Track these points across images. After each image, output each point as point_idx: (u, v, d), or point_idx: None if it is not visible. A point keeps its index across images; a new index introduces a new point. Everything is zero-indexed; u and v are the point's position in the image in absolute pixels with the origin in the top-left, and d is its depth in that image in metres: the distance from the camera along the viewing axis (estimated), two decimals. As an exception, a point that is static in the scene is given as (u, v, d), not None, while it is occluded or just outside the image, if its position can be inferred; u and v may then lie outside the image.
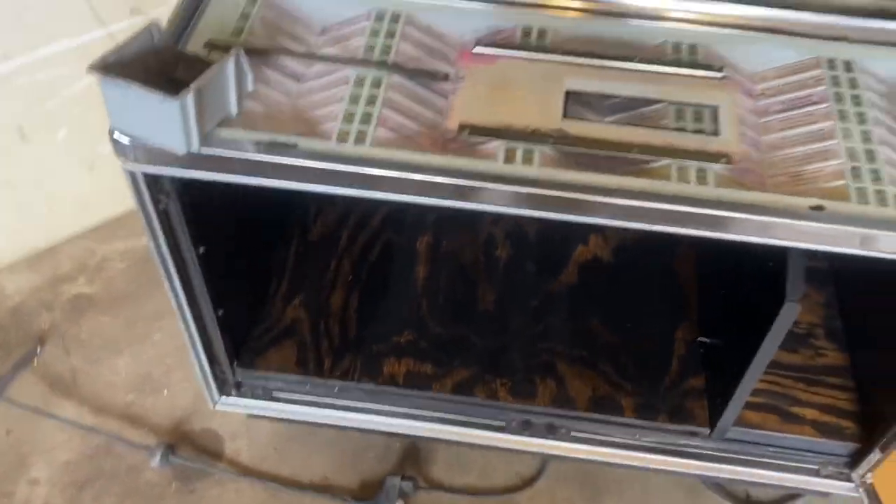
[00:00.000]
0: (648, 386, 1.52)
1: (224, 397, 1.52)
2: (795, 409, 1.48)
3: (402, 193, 0.99)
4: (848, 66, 1.10)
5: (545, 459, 1.68)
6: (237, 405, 1.53)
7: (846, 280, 1.65)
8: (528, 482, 1.67)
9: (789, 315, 1.16)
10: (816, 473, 1.46)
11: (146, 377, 1.82)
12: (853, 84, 1.08)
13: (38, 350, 1.85)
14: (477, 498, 1.65)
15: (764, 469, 1.47)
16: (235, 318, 1.45)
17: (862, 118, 1.04)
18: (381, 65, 1.08)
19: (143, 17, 1.75)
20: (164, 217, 1.14)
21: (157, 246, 1.18)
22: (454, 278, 1.69)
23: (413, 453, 1.70)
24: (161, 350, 1.86)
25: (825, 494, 1.52)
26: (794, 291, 1.13)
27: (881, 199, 0.95)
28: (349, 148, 0.99)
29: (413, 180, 0.97)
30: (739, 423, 1.45)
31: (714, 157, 0.98)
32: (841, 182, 0.97)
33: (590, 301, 1.66)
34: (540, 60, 1.10)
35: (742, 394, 1.34)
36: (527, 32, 1.14)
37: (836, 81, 1.08)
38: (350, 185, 1.00)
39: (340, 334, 1.59)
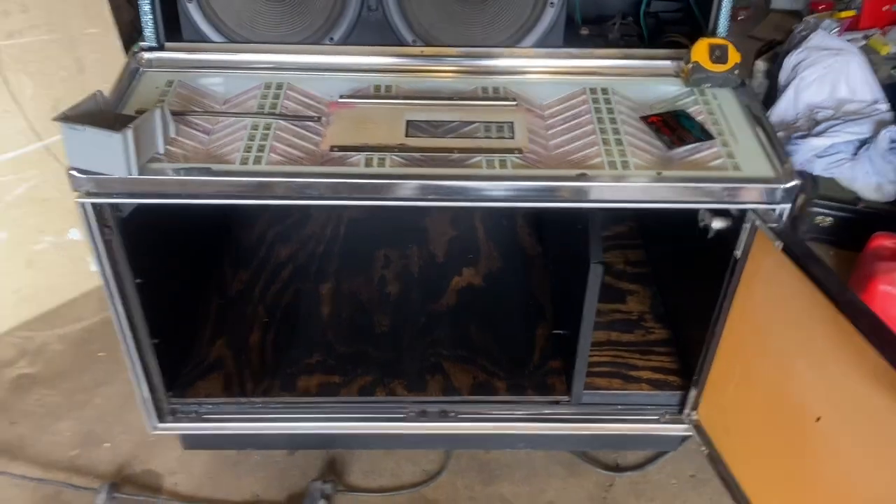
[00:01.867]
0: (517, 371, 1.87)
1: (161, 423, 1.77)
2: (633, 374, 1.85)
3: (291, 197, 1.36)
4: (605, 92, 1.56)
5: (447, 455, 1.97)
6: (173, 428, 1.79)
7: (662, 277, 2.07)
8: (433, 476, 1.94)
9: (596, 275, 1.55)
10: (657, 421, 1.81)
11: (89, 434, 2.03)
12: (608, 102, 1.54)
13: (-14, 423, 2.05)
14: (389, 495, 1.90)
15: (616, 423, 1.81)
16: (169, 352, 1.74)
17: (613, 121, 1.48)
18: (270, 115, 1.47)
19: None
20: (109, 248, 1.46)
21: (104, 274, 1.49)
22: (353, 311, 2.03)
23: (332, 465, 1.95)
24: (102, 412, 2.09)
25: (668, 438, 1.86)
26: (596, 254, 1.54)
27: (625, 165, 1.38)
28: (249, 167, 1.35)
29: (298, 183, 1.34)
30: (590, 387, 1.80)
31: (510, 151, 1.39)
32: (598, 159, 1.40)
33: (467, 316, 2.02)
34: (387, 104, 1.51)
35: (583, 354, 1.70)
36: (377, 88, 1.56)
37: (596, 101, 1.54)
38: (251, 195, 1.35)
39: (259, 363, 1.88)
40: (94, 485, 1.89)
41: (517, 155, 1.39)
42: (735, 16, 4.27)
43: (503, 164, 1.38)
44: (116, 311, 1.55)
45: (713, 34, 1.62)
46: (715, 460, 1.69)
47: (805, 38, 3.03)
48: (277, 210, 2.31)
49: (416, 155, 1.39)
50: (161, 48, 1.61)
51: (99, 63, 2.16)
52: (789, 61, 3.00)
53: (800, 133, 2.82)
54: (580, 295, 1.60)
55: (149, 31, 1.59)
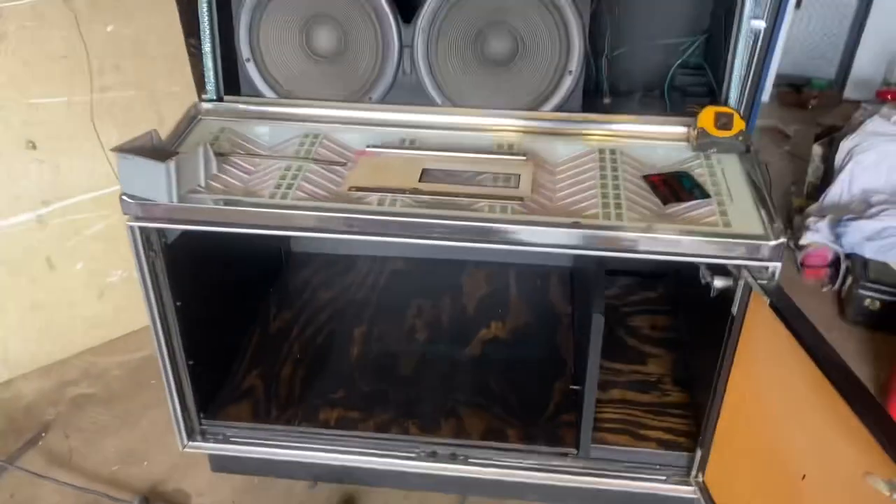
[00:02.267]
0: (530, 421, 1.92)
1: (191, 441, 1.91)
2: (643, 432, 1.87)
3: (309, 229, 1.50)
4: (613, 153, 1.66)
5: (461, 501, 2.01)
6: (201, 447, 1.92)
7: (686, 342, 2.10)
8: (445, 522, 1.99)
9: (598, 324, 1.61)
10: (664, 482, 1.82)
11: (130, 452, 2.19)
12: (614, 161, 1.63)
13: (43, 434, 2.24)
14: (400, 534, 1.96)
15: (623, 480, 1.82)
16: (205, 375, 1.89)
17: (616, 178, 1.57)
18: (303, 159, 1.64)
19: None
20: (152, 269, 1.63)
21: (146, 293, 1.66)
22: (381, 354, 2.14)
23: (349, 501, 2.03)
24: (145, 433, 2.25)
25: (674, 500, 1.85)
26: (597, 306, 1.61)
27: (618, 216, 1.46)
28: (275, 201, 1.51)
29: (315, 215, 1.48)
30: (599, 441, 1.83)
31: (512, 199, 1.50)
32: (595, 210, 1.49)
33: (488, 366, 2.09)
34: (408, 154, 1.66)
35: (589, 405, 1.74)
36: (402, 140, 1.71)
37: (603, 161, 1.64)
38: (274, 226, 1.51)
39: (287, 395, 2.00)
40: (128, 498, 2.03)
41: (518, 203, 1.50)
42: (805, 104, 4.31)
43: (504, 210, 1.48)
44: (155, 330, 1.71)
45: (725, 103, 1.71)
46: (716, 523, 1.68)
47: (862, 123, 3.04)
48: (324, 259, 2.48)
49: (426, 198, 1.51)
50: (220, 100, 1.82)
51: (177, 117, 2.41)
52: (845, 145, 3.01)
53: (850, 216, 2.80)
54: (585, 349, 1.66)
55: (210, 85, 1.81)
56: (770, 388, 1.47)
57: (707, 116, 1.63)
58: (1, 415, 2.31)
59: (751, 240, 1.41)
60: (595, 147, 1.69)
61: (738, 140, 1.62)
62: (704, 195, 1.51)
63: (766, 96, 4.31)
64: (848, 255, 2.78)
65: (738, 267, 1.47)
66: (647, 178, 1.57)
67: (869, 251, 2.70)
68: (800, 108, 4.34)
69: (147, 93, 2.36)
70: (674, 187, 1.53)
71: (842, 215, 2.83)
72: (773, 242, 1.40)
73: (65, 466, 2.14)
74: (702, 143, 1.63)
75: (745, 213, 1.47)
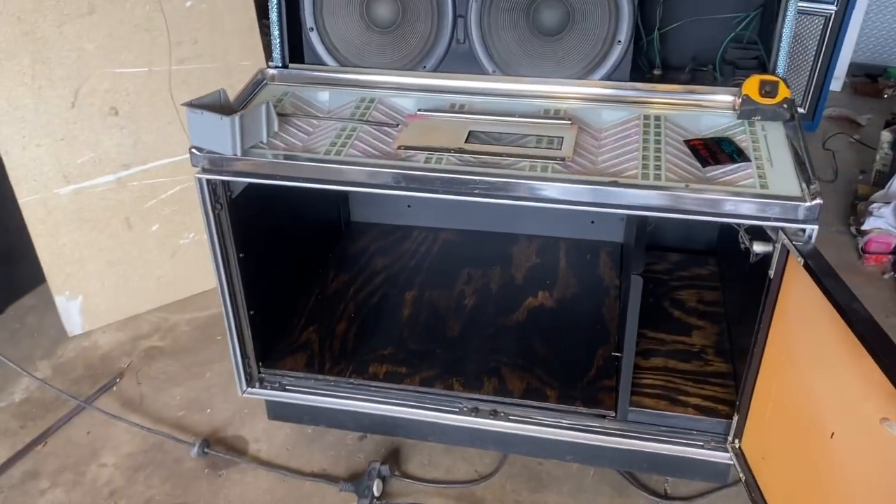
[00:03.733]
0: (570, 384, 1.97)
1: (250, 388, 2.04)
2: (682, 398, 1.90)
3: (361, 184, 1.60)
4: (658, 119, 1.70)
5: (502, 461, 2.08)
6: (259, 394, 2.04)
7: (731, 315, 2.11)
8: (485, 477, 2.06)
9: (636, 286, 1.66)
10: (702, 447, 1.84)
11: (195, 400, 2.34)
12: (658, 127, 1.67)
13: (118, 380, 2.41)
14: (441, 487, 2.04)
15: (659, 443, 1.86)
16: (265, 327, 2.01)
17: (658, 143, 1.61)
18: (358, 120, 1.73)
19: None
20: (218, 221, 1.76)
21: (212, 244, 1.78)
22: (430, 316, 2.22)
23: (395, 454, 2.13)
24: (210, 384, 2.40)
25: (716, 469, 1.88)
26: (637, 266, 1.65)
27: (657, 177, 1.50)
28: (330, 157, 1.62)
29: (366, 171, 1.58)
30: (637, 405, 1.87)
31: (554, 159, 1.56)
32: (634, 171, 1.53)
33: (533, 331, 2.16)
34: (457, 118, 1.74)
35: (627, 368, 1.79)
36: (452, 105, 1.79)
37: (647, 126, 1.68)
38: (328, 180, 1.61)
39: (340, 350, 2.11)
40: (191, 440, 2.17)
41: (559, 162, 1.56)
42: (881, 93, 4.20)
43: (545, 169, 1.55)
44: (220, 279, 1.83)
45: (773, 72, 1.72)
46: (750, 487, 1.71)
47: (933, 109, 2.96)
48: (381, 229, 2.59)
49: (470, 157, 1.59)
50: (285, 67, 1.93)
51: (248, 89, 2.56)
52: (913, 131, 2.94)
53: (912, 201, 2.75)
54: (624, 313, 1.71)
55: (276, 52, 1.92)
56: (804, 350, 1.49)
57: (752, 84, 1.65)
58: (79, 362, 2.50)
59: (787, 200, 1.43)
60: (640, 113, 1.73)
61: (783, 108, 1.63)
62: (744, 159, 1.54)
63: (838, 85, 4.22)
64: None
65: (777, 230, 1.49)
66: (688, 142, 1.61)
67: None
68: (875, 98, 4.23)
69: (222, 65, 2.51)
70: (714, 151, 1.57)
71: (905, 201, 2.77)
72: (808, 203, 1.42)
73: (136, 410, 2.31)
74: (746, 109, 1.66)
75: (783, 177, 1.50)
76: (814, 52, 3.41)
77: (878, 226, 2.79)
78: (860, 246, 2.85)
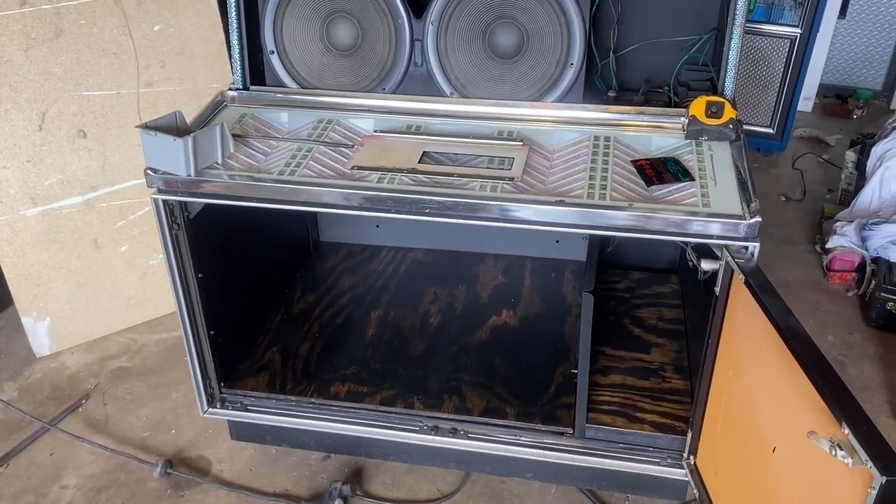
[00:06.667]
0: (530, 401, 1.99)
1: (211, 408, 2.04)
2: (640, 415, 1.92)
3: (312, 204, 1.62)
4: (607, 140, 1.73)
5: (464, 479, 2.09)
6: (220, 414, 2.05)
7: (689, 332, 2.13)
8: (447, 496, 2.06)
9: (587, 304, 1.68)
10: (659, 464, 1.86)
11: (161, 421, 2.34)
12: (607, 148, 1.70)
13: (84, 401, 2.41)
14: (403, 507, 2.05)
15: (617, 461, 1.87)
16: (226, 347, 2.02)
17: (605, 163, 1.65)
18: (315, 141, 1.76)
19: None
20: (175, 242, 1.77)
21: (169, 264, 1.80)
22: (394, 336, 2.24)
23: (357, 474, 2.13)
24: (176, 404, 2.40)
25: (674, 486, 1.89)
26: (588, 283, 1.68)
27: (602, 196, 1.53)
28: (283, 177, 1.64)
29: (317, 191, 1.60)
30: (595, 422, 1.89)
31: (503, 179, 1.59)
32: (580, 191, 1.56)
33: (496, 350, 2.17)
34: (413, 139, 1.77)
35: (582, 385, 1.81)
36: (409, 126, 1.82)
37: (597, 147, 1.71)
38: (280, 200, 1.63)
39: (303, 369, 2.12)
40: (154, 461, 2.17)
41: (508, 182, 1.58)
42: (849, 114, 4.27)
43: (494, 189, 1.57)
44: (178, 299, 1.85)
45: (721, 94, 1.76)
46: (703, 503, 1.72)
47: (895, 129, 3.02)
48: (349, 249, 2.61)
49: (423, 177, 1.62)
50: (245, 89, 1.96)
51: (216, 112, 2.59)
52: (876, 151, 2.99)
53: (878, 219, 2.78)
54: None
55: (237, 75, 1.95)
56: (748, 366, 1.51)
57: (699, 105, 1.68)
58: (46, 383, 2.50)
59: (728, 219, 1.46)
60: (591, 134, 1.76)
61: (729, 128, 1.67)
62: (689, 178, 1.57)
63: (809, 106, 4.29)
64: (874, 260, 2.76)
65: (721, 249, 1.52)
66: (635, 162, 1.64)
67: (894, 254, 2.68)
68: (844, 118, 4.29)
69: (190, 88, 2.53)
70: (659, 171, 1.60)
71: (869, 219, 2.81)
72: (748, 221, 1.44)
73: (101, 431, 2.31)
74: (692, 130, 1.69)
75: (726, 195, 1.53)
76: (780, 74, 3.47)
77: (841, 244, 2.83)
78: (825, 264, 2.88)
